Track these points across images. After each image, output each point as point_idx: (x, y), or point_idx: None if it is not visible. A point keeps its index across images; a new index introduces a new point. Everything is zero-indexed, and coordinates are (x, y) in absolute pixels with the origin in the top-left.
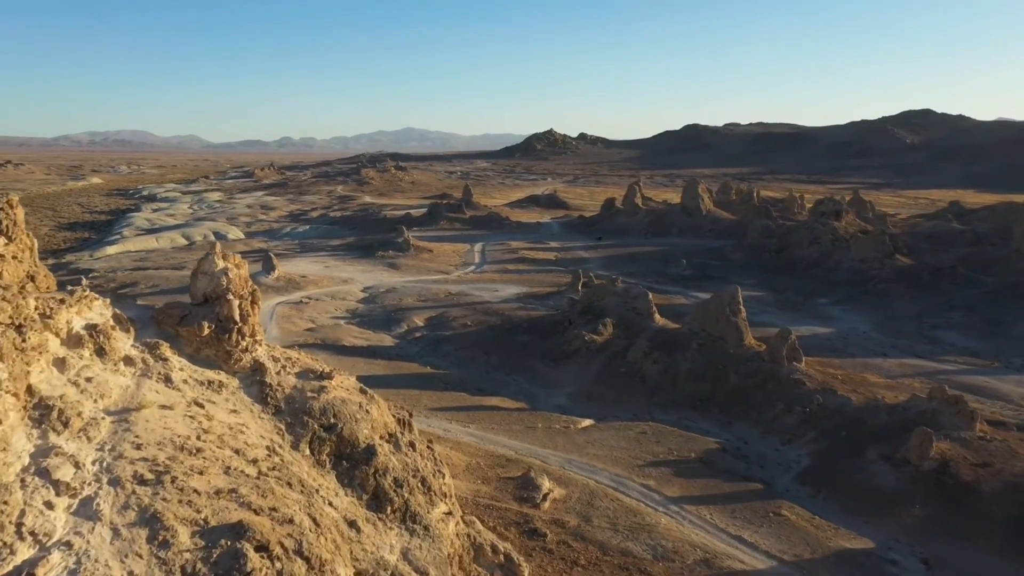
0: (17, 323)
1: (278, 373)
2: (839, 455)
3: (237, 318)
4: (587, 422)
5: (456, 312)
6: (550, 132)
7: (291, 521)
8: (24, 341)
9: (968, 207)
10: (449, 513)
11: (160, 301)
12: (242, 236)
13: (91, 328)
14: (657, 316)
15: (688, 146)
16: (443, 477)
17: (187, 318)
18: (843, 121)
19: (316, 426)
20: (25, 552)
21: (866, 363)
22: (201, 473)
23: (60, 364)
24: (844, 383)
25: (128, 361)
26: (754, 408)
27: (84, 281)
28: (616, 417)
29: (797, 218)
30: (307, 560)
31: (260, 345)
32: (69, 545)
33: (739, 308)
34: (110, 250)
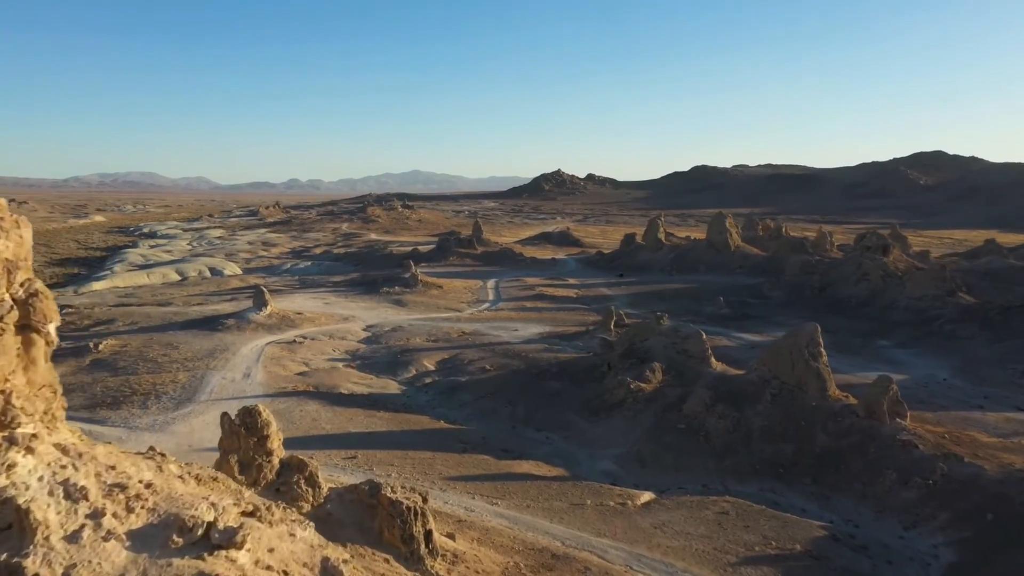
0: None
1: (72, 538)
2: (994, 547)
3: None
4: (647, 496)
5: (472, 354)
6: (558, 172)
7: None
8: None
9: (1007, 246)
10: None
11: (135, 340)
12: (239, 272)
13: None
14: (714, 360)
15: (697, 187)
16: None
17: None
18: (853, 163)
19: None
20: None
21: (964, 417)
22: None
23: None
24: (955, 444)
25: None
26: (856, 478)
27: None
28: (682, 488)
29: (830, 255)
30: None
31: (32, 451)
32: None
33: (820, 351)
34: (96, 286)
